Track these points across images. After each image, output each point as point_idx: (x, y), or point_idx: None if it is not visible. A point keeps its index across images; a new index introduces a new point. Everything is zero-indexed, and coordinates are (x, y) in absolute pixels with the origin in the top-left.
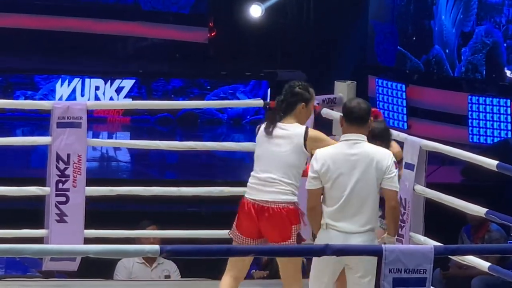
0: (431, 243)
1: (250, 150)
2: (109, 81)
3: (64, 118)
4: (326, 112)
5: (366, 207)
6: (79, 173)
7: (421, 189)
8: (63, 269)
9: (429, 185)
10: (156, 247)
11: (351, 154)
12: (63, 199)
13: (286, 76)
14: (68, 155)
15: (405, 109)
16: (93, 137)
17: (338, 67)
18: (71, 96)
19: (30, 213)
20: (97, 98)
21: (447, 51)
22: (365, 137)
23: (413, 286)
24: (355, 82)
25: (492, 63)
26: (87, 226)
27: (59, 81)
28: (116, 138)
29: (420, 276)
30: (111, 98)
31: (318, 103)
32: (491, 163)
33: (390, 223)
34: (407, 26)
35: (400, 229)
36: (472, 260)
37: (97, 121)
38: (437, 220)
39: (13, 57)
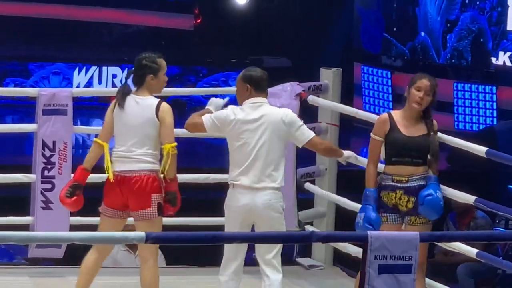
0: None
1: None
2: (127, 68)
3: (50, 105)
4: (312, 99)
5: (271, 163)
6: (64, 160)
7: None
8: (49, 256)
9: None
10: (142, 234)
11: (258, 115)
12: (49, 186)
13: (271, 63)
14: (54, 142)
15: (390, 96)
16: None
17: (324, 53)
18: (89, 84)
19: (16, 200)
20: (114, 86)
21: (432, 38)
22: (266, 100)
23: (398, 272)
24: (341, 69)
25: (478, 50)
26: (72, 214)
27: (77, 69)
28: None
29: (405, 263)
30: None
31: (304, 90)
32: (480, 149)
33: (333, 154)
34: (392, 12)
35: None
36: (459, 246)
37: None
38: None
39: (4, 45)
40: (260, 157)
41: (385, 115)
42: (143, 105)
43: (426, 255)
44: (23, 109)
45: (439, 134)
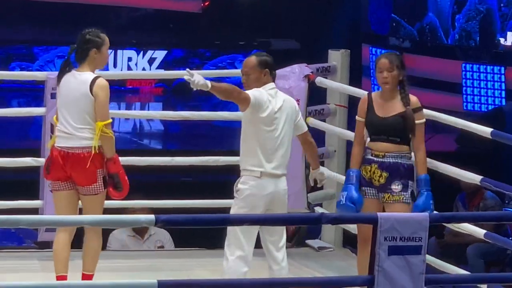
0: None
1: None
2: (142, 52)
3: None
4: (320, 80)
5: (288, 150)
6: None
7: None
8: None
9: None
10: (152, 217)
11: (281, 102)
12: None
13: (279, 45)
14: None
15: None
16: (126, 109)
17: (332, 35)
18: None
19: (26, 184)
20: (129, 69)
21: (441, 18)
22: None
23: (408, 254)
24: (349, 50)
25: (486, 31)
26: None
27: (134, 53)
28: (148, 109)
29: (415, 244)
30: (143, 69)
31: (312, 72)
32: (485, 130)
33: (316, 159)
34: None
35: None
36: (468, 227)
37: (130, 92)
38: (432, 188)
39: (10, 29)
40: (283, 144)
41: (365, 96)
42: (79, 80)
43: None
44: (30, 93)
45: (445, 116)
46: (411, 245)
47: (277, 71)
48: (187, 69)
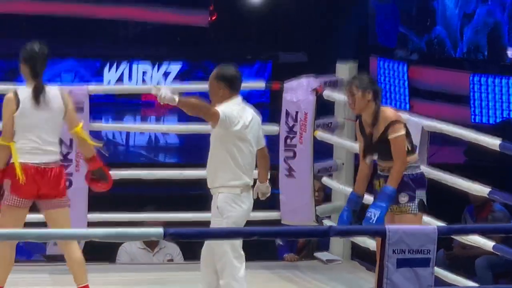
0: (435, 223)
1: None
2: (157, 65)
3: None
4: (328, 94)
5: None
6: (82, 157)
7: (424, 169)
8: None
9: (432, 166)
10: (160, 230)
11: (250, 117)
12: (67, 183)
13: (287, 58)
14: (71, 140)
15: (407, 89)
16: (141, 121)
17: (340, 48)
18: (119, 81)
19: None
20: (144, 82)
21: (449, 31)
22: None
23: (417, 266)
24: (357, 63)
25: (494, 43)
26: (90, 210)
27: (107, 66)
28: (163, 122)
29: (424, 257)
30: (157, 83)
31: (320, 85)
32: (493, 142)
33: (266, 172)
34: (410, 6)
35: None
36: (476, 240)
37: (146, 105)
38: (440, 201)
39: (13, 42)
40: (254, 157)
41: (356, 121)
42: (51, 97)
43: None
44: None
45: (453, 128)
46: (419, 258)
47: (284, 84)
48: (154, 85)
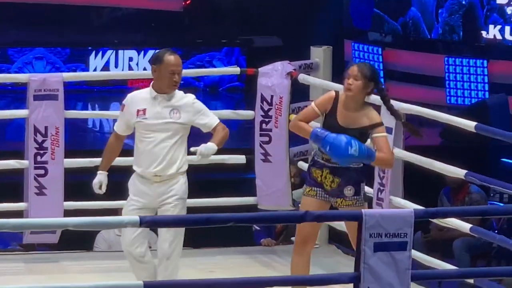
0: (411, 206)
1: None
2: (143, 51)
3: (40, 90)
4: (302, 77)
5: None
6: (57, 145)
7: (399, 152)
8: (44, 242)
9: (408, 148)
10: (136, 218)
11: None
12: (42, 171)
13: (262, 42)
14: (46, 128)
15: (382, 72)
16: None
17: (314, 32)
18: (105, 68)
19: (8, 186)
20: (130, 69)
21: (424, 13)
22: None
23: (394, 250)
24: (331, 47)
25: (469, 24)
26: (66, 198)
27: (93, 54)
28: None
29: (401, 240)
30: (144, 69)
31: (294, 69)
32: (469, 124)
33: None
34: None
35: (379, 192)
36: (453, 222)
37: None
38: (416, 183)
39: None
40: None
41: (332, 93)
42: None
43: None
44: (10, 95)
45: (428, 110)
46: (396, 241)
47: (259, 69)
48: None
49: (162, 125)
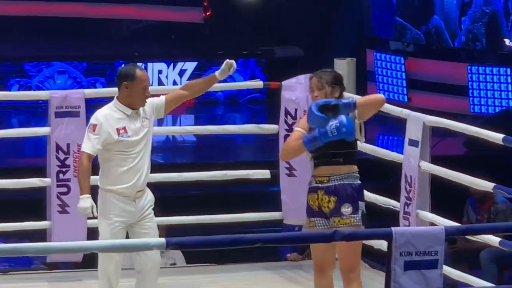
0: (439, 219)
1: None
2: (172, 64)
3: (62, 107)
4: None
5: None
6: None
7: (426, 165)
8: (68, 260)
9: (432, 158)
10: (162, 240)
11: None
12: (65, 189)
13: (283, 53)
14: (68, 145)
15: (404, 81)
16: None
17: (336, 42)
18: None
19: (30, 204)
20: (160, 81)
21: (447, 21)
22: None
23: (425, 268)
24: (355, 59)
25: (492, 32)
26: (90, 217)
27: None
28: (180, 121)
29: (431, 258)
30: (174, 82)
31: None
32: (496, 136)
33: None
34: None
35: (406, 206)
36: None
37: None
38: (439, 193)
39: (2, 45)
40: None
41: None
42: None
43: (357, 259)
44: (29, 110)
45: (455, 123)
46: (427, 260)
47: (283, 82)
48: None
49: (142, 138)
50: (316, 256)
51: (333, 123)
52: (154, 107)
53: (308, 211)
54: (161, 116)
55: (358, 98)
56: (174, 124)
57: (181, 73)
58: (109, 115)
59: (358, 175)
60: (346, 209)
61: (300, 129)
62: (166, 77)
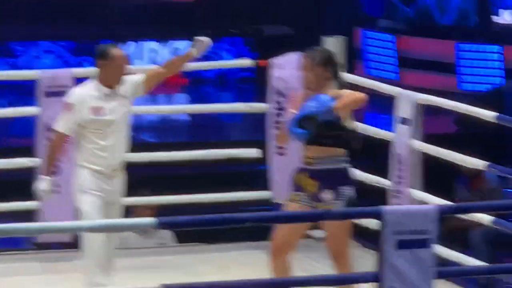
0: (430, 198)
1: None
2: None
3: (51, 87)
4: None
5: None
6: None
7: (418, 144)
8: (58, 240)
9: (423, 137)
10: (154, 220)
11: None
12: (55, 169)
13: (272, 31)
14: None
15: (396, 60)
16: (151, 101)
17: (325, 20)
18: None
19: (19, 184)
20: (154, 61)
21: None
22: None
23: (416, 247)
24: (344, 36)
25: (482, 10)
26: None
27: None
28: (174, 100)
29: (423, 237)
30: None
31: None
32: (489, 114)
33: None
34: None
35: (397, 185)
36: (475, 214)
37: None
38: (429, 172)
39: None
40: None
41: (302, 92)
42: None
43: (347, 242)
44: (17, 90)
45: (446, 100)
46: (419, 238)
47: (272, 60)
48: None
49: (118, 117)
50: (279, 236)
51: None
52: (134, 86)
53: (294, 186)
54: (141, 94)
55: (337, 101)
56: (169, 103)
57: (175, 51)
58: (85, 93)
59: (344, 158)
60: (326, 195)
61: (294, 111)
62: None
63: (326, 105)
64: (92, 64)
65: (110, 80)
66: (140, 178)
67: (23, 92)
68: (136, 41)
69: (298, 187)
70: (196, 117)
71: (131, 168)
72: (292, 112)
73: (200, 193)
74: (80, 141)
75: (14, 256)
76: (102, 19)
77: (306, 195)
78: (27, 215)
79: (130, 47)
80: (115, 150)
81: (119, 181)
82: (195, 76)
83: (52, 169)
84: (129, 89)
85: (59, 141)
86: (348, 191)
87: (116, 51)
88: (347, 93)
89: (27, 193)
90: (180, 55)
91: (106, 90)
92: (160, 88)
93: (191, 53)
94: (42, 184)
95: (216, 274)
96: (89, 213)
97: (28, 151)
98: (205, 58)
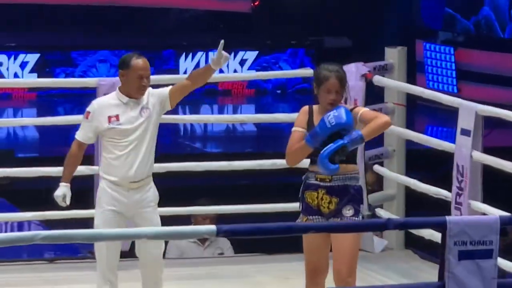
0: (490, 210)
1: None
2: (232, 53)
3: None
4: (378, 79)
5: None
6: None
7: (478, 155)
8: None
9: (485, 150)
10: (213, 227)
11: None
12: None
13: (332, 43)
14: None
15: (454, 72)
16: (218, 111)
17: (385, 32)
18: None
19: (77, 192)
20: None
21: (497, 11)
22: None
23: (479, 258)
24: (405, 47)
25: None
26: None
27: (183, 55)
28: (241, 111)
29: (486, 248)
30: (235, 71)
31: (369, 71)
32: None
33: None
34: None
35: (458, 196)
36: None
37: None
38: (492, 185)
39: (49, 34)
40: None
41: (305, 108)
42: None
43: (356, 262)
44: (74, 98)
45: (508, 112)
46: (482, 249)
47: None
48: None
49: (136, 128)
50: (310, 260)
51: (331, 113)
52: (160, 98)
53: (305, 208)
54: (168, 108)
55: (362, 130)
56: (235, 113)
57: (242, 62)
58: (105, 102)
59: (359, 176)
60: (348, 211)
61: (298, 128)
62: (227, 66)
63: (355, 136)
64: (152, 74)
65: (130, 89)
66: (199, 188)
67: (81, 101)
68: (194, 51)
69: (311, 209)
70: (259, 127)
71: (189, 178)
72: (297, 130)
73: (259, 203)
74: (101, 150)
75: (70, 264)
76: (160, 29)
77: (319, 216)
78: (84, 223)
79: (198, 56)
80: (132, 161)
81: (141, 195)
82: (253, 87)
83: (69, 176)
84: (155, 101)
85: (76, 149)
86: (362, 207)
87: (137, 61)
88: (364, 111)
89: (85, 201)
90: (200, 68)
91: (125, 99)
92: (226, 99)
93: (210, 66)
94: (59, 191)
95: (275, 285)
96: (98, 227)
97: (86, 159)
98: (264, 68)
